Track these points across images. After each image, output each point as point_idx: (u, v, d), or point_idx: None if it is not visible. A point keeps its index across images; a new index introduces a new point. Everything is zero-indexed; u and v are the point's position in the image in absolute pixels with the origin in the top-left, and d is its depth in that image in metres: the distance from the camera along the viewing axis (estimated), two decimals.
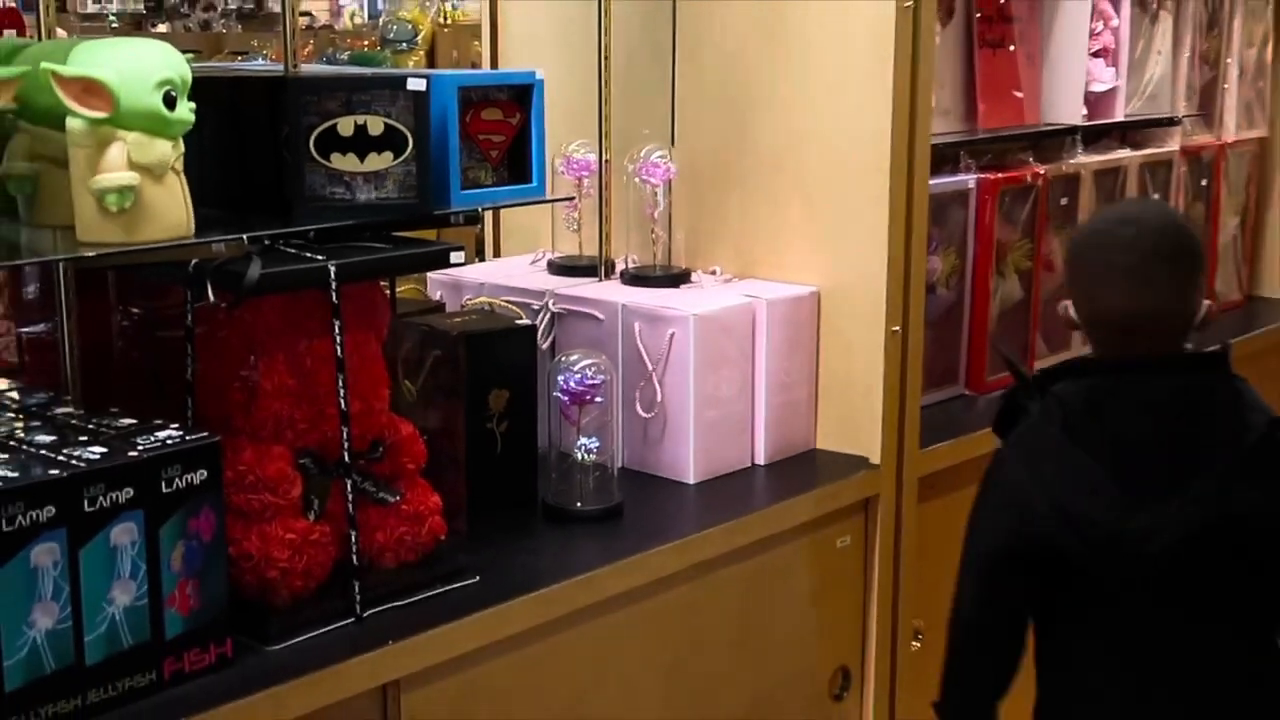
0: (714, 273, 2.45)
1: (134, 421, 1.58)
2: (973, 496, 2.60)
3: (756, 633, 2.24)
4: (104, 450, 1.47)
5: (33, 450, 1.48)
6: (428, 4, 8.02)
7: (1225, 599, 1.78)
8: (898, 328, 2.34)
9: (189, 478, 1.50)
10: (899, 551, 2.43)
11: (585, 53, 2.43)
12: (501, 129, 1.95)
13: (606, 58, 2.41)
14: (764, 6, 2.36)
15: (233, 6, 7.43)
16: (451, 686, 1.76)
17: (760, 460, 2.37)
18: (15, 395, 1.76)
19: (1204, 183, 3.41)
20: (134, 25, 6.90)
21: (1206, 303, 1.81)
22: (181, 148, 1.54)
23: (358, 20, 8.12)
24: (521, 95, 1.96)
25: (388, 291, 1.89)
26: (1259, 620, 1.83)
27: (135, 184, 1.48)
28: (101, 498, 1.42)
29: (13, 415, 1.64)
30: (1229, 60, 3.44)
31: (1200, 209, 3.41)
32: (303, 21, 7.69)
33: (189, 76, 1.54)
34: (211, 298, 1.63)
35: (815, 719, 2.38)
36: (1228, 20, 3.42)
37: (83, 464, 1.43)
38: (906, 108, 2.28)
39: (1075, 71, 2.96)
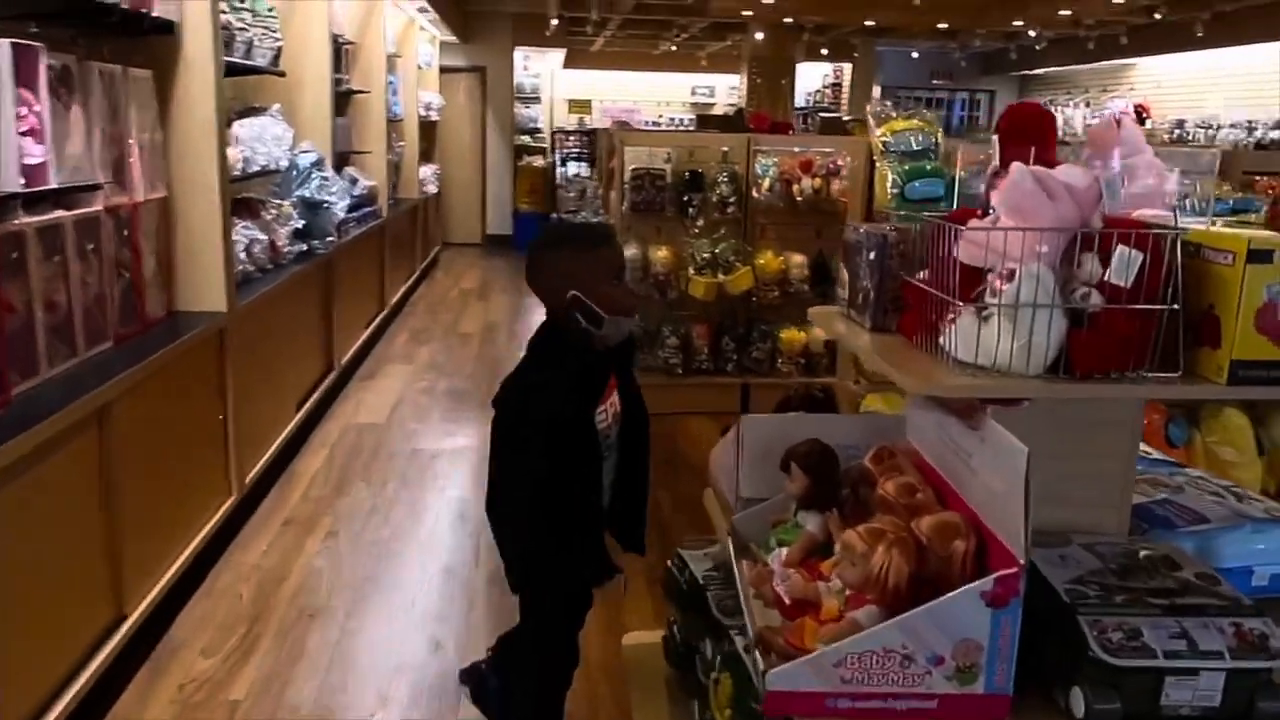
0: None
1: None
2: None
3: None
4: None
5: None
6: None
7: None
8: None
9: None
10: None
11: None
12: None
13: None
14: None
15: None
16: None
17: None
18: None
19: (126, 233, 2.90)
20: None
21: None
22: None
23: None
24: None
25: None
26: None
27: None
28: None
29: None
30: (131, 140, 2.95)
31: (126, 253, 2.90)
32: None
33: None
34: None
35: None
36: (125, 109, 2.92)
37: None
38: None
39: (9, 147, 2.28)
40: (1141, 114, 10.60)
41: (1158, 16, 8.81)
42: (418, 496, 3.97)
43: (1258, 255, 1.27)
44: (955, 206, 1.77)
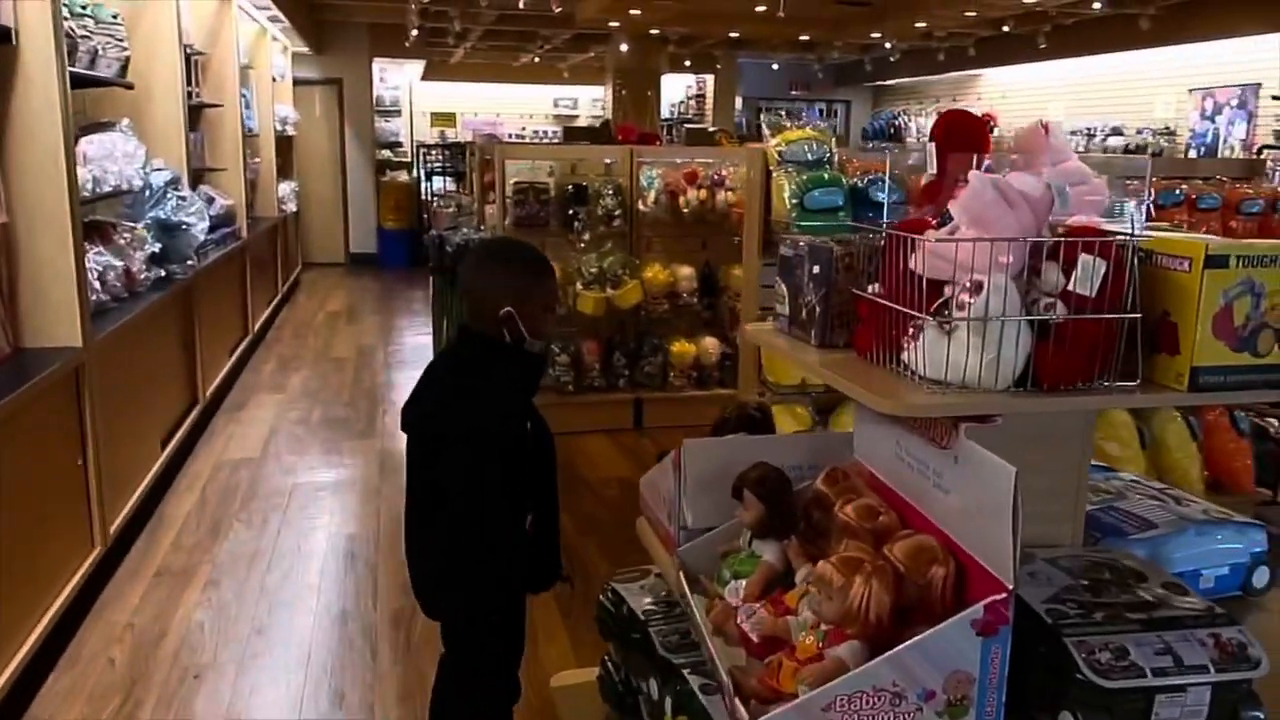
0: None
1: None
2: None
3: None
4: None
5: None
6: None
7: None
8: None
9: None
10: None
11: None
12: None
13: None
14: None
15: None
16: None
17: None
18: None
19: None
20: None
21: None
22: None
23: None
24: None
25: None
26: None
27: None
28: None
29: None
30: None
31: None
32: None
33: None
34: None
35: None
36: None
37: None
38: None
39: None
40: (990, 122, 11.12)
41: (1006, 29, 9.26)
42: (303, 536, 3.72)
43: (1214, 260, 1.27)
44: (886, 217, 1.74)
